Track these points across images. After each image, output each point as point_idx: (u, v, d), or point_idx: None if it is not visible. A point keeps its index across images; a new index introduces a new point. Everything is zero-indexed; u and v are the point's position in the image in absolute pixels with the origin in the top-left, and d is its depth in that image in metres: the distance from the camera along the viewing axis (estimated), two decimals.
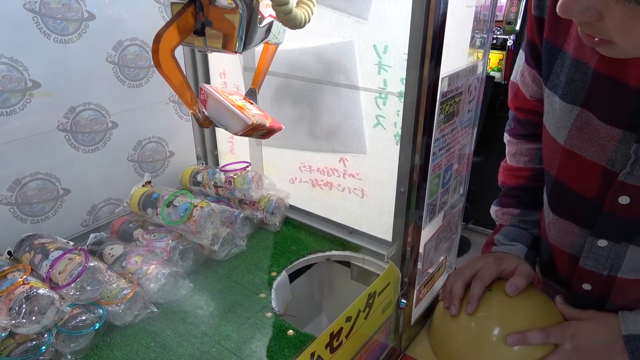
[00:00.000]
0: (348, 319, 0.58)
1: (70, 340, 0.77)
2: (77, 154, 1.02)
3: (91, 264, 0.80)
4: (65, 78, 0.96)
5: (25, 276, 0.78)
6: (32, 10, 0.87)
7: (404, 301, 0.71)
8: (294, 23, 0.61)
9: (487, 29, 0.77)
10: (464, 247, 2.93)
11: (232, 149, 1.28)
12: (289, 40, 0.86)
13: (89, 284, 0.80)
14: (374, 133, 0.96)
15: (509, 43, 2.51)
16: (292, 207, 1.19)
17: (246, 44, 0.64)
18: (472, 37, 0.76)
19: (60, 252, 0.83)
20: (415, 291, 0.77)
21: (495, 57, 2.58)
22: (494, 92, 2.57)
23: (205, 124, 0.71)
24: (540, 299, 0.75)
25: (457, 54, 0.75)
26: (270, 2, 0.59)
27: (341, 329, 0.57)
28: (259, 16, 0.64)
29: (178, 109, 1.21)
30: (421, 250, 0.74)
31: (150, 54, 1.08)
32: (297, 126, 1.08)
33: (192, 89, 0.67)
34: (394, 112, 0.90)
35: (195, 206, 0.97)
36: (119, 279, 0.85)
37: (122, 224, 1.05)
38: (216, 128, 1.23)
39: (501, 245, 0.85)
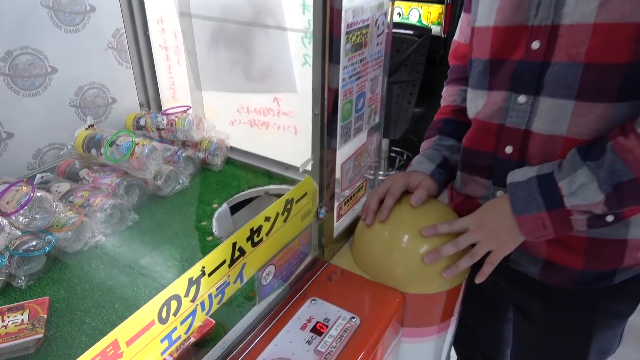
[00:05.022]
0: (267, 218, 0.67)
1: (23, 262, 0.83)
2: (18, 97, 1.05)
3: (38, 194, 0.86)
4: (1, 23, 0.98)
5: None
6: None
7: (323, 211, 0.82)
8: None
9: None
10: None
11: (174, 95, 1.33)
12: None
13: (37, 212, 0.86)
14: (303, 72, 1.04)
15: None
16: (233, 149, 1.27)
17: None
18: None
19: (7, 185, 0.89)
20: (336, 207, 0.87)
21: (435, 11, 2.68)
22: (434, 45, 2.68)
23: None
24: (441, 208, 0.88)
25: None
26: None
27: (261, 226, 0.66)
28: None
29: (117, 56, 1.25)
30: (339, 170, 0.84)
31: None
32: (233, 69, 1.15)
33: None
34: None
35: (137, 144, 1.04)
36: (66, 208, 0.91)
37: (68, 166, 1.10)
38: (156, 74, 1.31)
39: (414, 165, 0.96)
